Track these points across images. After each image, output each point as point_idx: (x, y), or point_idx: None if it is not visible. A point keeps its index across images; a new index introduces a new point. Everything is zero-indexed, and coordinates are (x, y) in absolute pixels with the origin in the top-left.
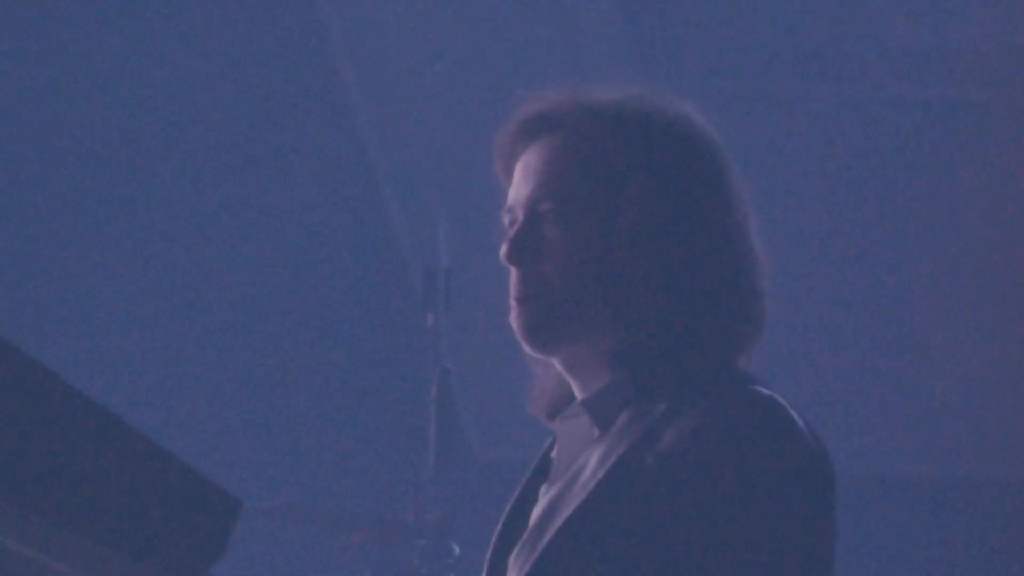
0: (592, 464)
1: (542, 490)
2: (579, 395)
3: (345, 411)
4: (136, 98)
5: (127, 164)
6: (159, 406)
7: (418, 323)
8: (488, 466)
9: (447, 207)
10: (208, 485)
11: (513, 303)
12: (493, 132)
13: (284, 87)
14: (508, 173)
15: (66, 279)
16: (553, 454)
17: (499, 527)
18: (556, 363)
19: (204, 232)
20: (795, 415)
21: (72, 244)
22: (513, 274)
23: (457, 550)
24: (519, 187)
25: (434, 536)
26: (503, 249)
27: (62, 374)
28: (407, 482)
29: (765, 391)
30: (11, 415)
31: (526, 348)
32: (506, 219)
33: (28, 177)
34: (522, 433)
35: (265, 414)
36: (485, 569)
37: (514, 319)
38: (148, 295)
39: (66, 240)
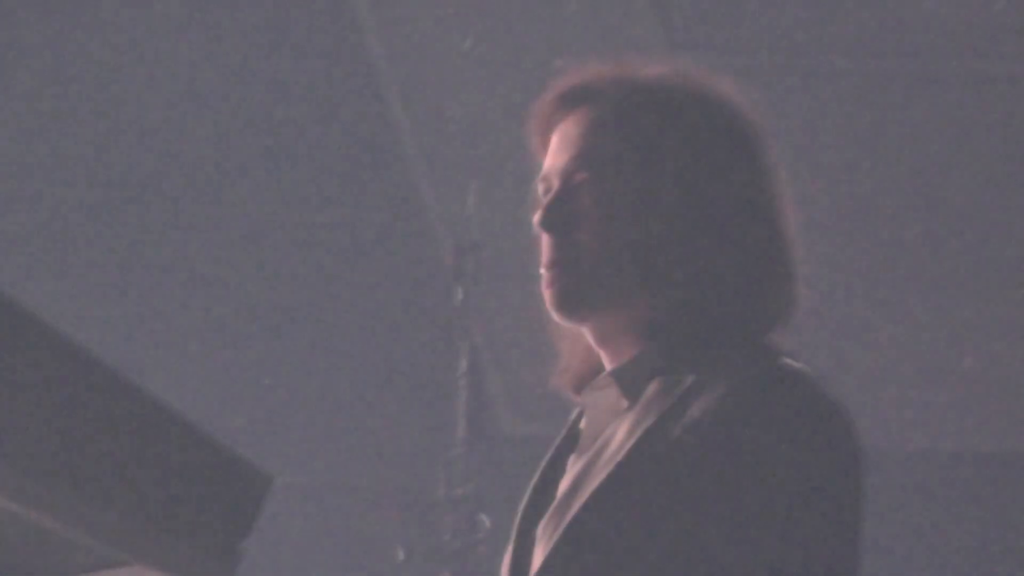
0: (620, 435)
1: (570, 461)
2: (608, 366)
3: (374, 386)
4: (167, 74)
5: (162, 140)
6: (191, 384)
7: (447, 298)
8: (517, 440)
9: (476, 182)
10: (239, 461)
11: (544, 270)
12: (523, 106)
13: (314, 62)
14: (544, 143)
15: (104, 257)
16: (581, 425)
17: (527, 498)
18: (586, 333)
19: (236, 209)
20: (823, 388)
21: (115, 223)
22: (545, 241)
23: (487, 523)
24: (556, 156)
25: (464, 510)
26: (537, 216)
27: (95, 351)
28: (437, 457)
29: (794, 364)
30: (43, 393)
31: (555, 316)
32: (540, 188)
33: (79, 157)
34: (551, 407)
35: (295, 390)
36: (513, 540)
37: (545, 286)
38: (181, 272)
39: (108, 221)
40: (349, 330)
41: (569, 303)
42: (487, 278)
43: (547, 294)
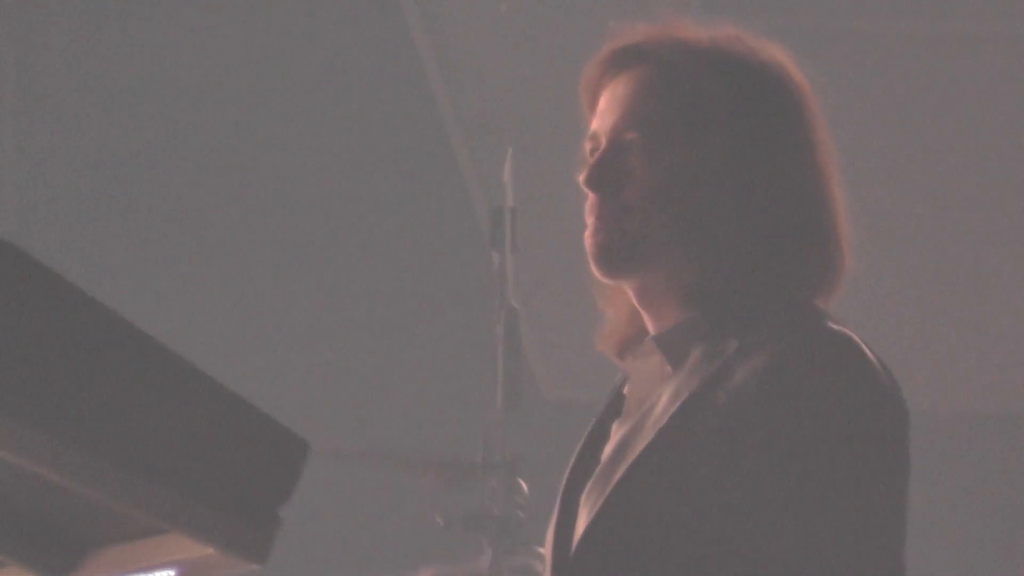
0: (664, 401)
1: (614, 427)
2: (652, 330)
3: (412, 352)
4: (200, 41)
5: (194, 107)
6: (228, 349)
7: (485, 263)
8: (555, 405)
9: (513, 146)
10: (276, 427)
11: (589, 225)
12: (560, 69)
13: (349, 28)
14: (593, 103)
15: (138, 222)
16: (625, 391)
17: (571, 464)
18: (630, 294)
19: (271, 178)
20: (868, 352)
21: (147, 188)
22: (591, 199)
23: (527, 489)
24: (604, 115)
25: (503, 476)
26: (583, 174)
27: (130, 316)
28: (475, 422)
29: (839, 329)
30: (80, 362)
31: (596, 271)
32: (588, 147)
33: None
34: (589, 372)
35: (333, 356)
36: (557, 506)
37: (588, 241)
38: (216, 240)
39: (139, 185)
40: (385, 296)
41: (611, 259)
42: (524, 243)
43: (589, 248)
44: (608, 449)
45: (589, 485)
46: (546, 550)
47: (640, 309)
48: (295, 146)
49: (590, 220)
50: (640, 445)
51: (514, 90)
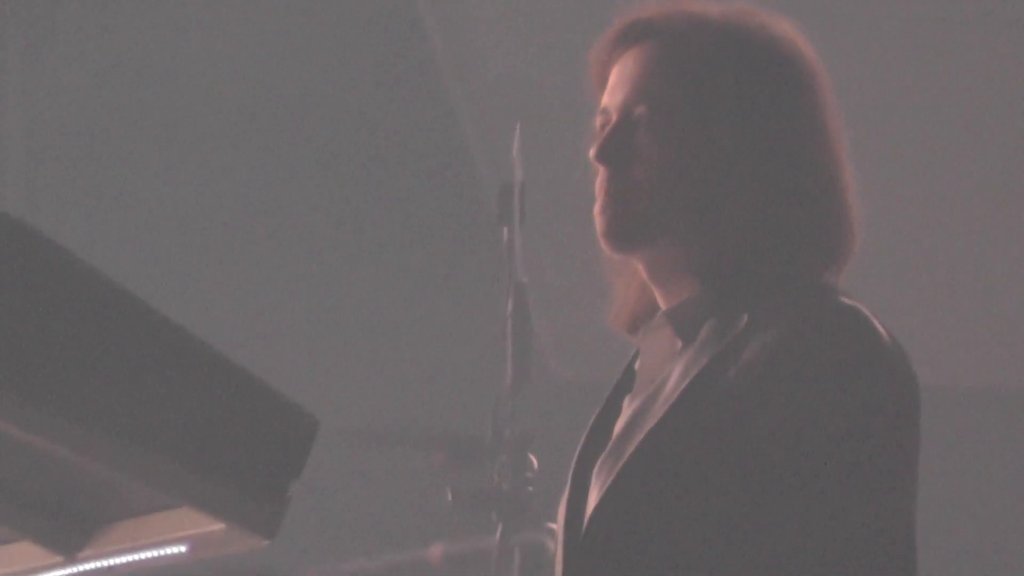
0: (675, 376)
1: (625, 402)
2: (662, 305)
3: (420, 329)
4: (207, 17)
5: (202, 81)
6: (236, 326)
7: (493, 238)
8: (564, 381)
9: (521, 121)
10: (286, 403)
11: (598, 200)
12: (568, 44)
13: (355, 4)
14: (602, 79)
15: (148, 200)
16: (636, 366)
17: (583, 440)
18: (640, 269)
19: (280, 156)
20: (879, 327)
21: (157, 161)
22: (600, 174)
23: (536, 464)
24: (614, 91)
25: (512, 452)
26: (593, 149)
27: (137, 292)
28: (484, 399)
29: (849, 302)
30: (91, 338)
31: (605, 246)
32: (598, 122)
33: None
34: (598, 347)
35: (341, 333)
36: (569, 481)
37: (597, 216)
38: (225, 222)
39: (146, 156)
40: (393, 271)
41: (620, 234)
42: (533, 218)
43: (598, 224)
44: (619, 425)
45: (600, 461)
46: (558, 526)
47: (650, 284)
48: (302, 122)
49: (599, 195)
50: (651, 420)
51: (522, 65)
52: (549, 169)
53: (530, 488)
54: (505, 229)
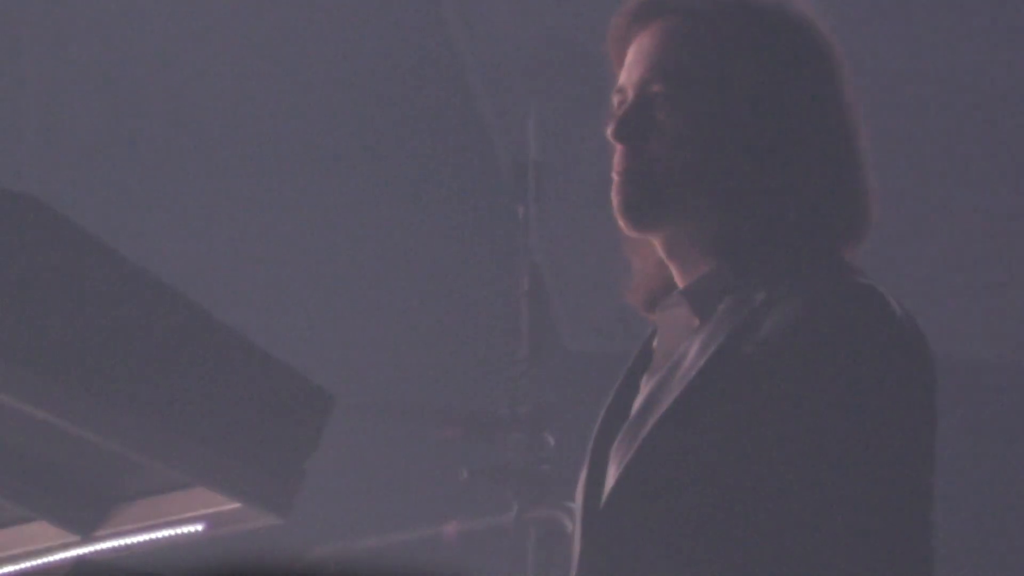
0: (692, 353)
1: (643, 380)
2: (679, 282)
3: (437, 305)
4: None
5: (229, 78)
6: (250, 302)
7: (509, 215)
8: (580, 357)
9: (537, 99)
10: (300, 381)
11: (615, 177)
12: (582, 24)
13: None
14: (620, 56)
15: (166, 178)
16: (654, 344)
17: (600, 418)
18: (657, 246)
19: (295, 131)
20: (894, 304)
21: (181, 149)
22: (618, 151)
23: (552, 442)
24: (631, 68)
25: (528, 429)
26: (610, 127)
27: (154, 269)
28: (500, 375)
29: (864, 280)
30: (109, 320)
31: (623, 224)
32: (616, 100)
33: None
34: (613, 323)
35: (356, 310)
36: (587, 459)
37: (615, 194)
38: (247, 205)
39: (174, 146)
40: (410, 249)
41: (637, 212)
42: (549, 196)
43: (616, 202)
44: (637, 402)
45: (619, 438)
46: (576, 503)
47: (667, 261)
48: (320, 100)
49: (615, 175)
50: (669, 398)
51: (538, 42)
52: (565, 146)
53: (545, 466)
54: (520, 206)
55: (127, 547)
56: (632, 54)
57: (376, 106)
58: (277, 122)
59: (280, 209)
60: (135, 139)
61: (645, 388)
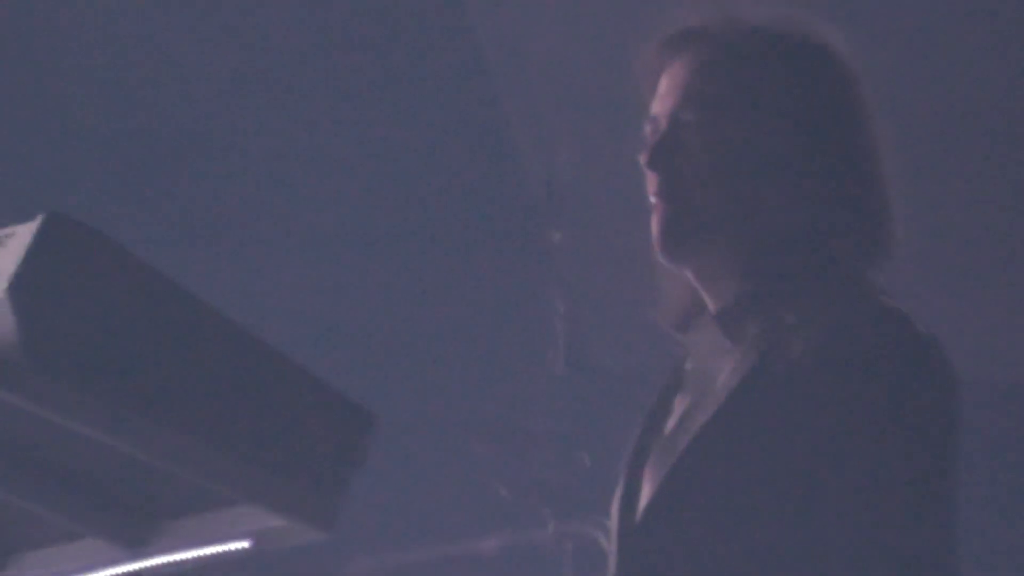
0: (724, 375)
1: (676, 401)
2: (710, 305)
3: (473, 325)
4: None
5: (252, 82)
6: (289, 322)
7: (543, 238)
8: (615, 377)
9: (570, 124)
10: (342, 400)
11: (653, 200)
12: (617, 48)
13: (406, 6)
14: (652, 85)
15: (197, 196)
16: (687, 366)
17: (635, 437)
18: (687, 273)
19: (326, 152)
20: (917, 325)
21: (209, 163)
22: (652, 178)
23: (587, 459)
24: (664, 98)
25: (564, 447)
26: (644, 155)
27: (197, 291)
28: (536, 393)
29: (891, 303)
30: (156, 339)
31: (661, 257)
32: (649, 128)
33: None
34: (645, 343)
35: (397, 328)
36: (622, 479)
37: (655, 222)
38: (279, 220)
39: (203, 161)
40: (447, 270)
41: (675, 245)
42: (581, 217)
43: (655, 230)
44: (671, 422)
45: (653, 457)
46: (611, 521)
47: (697, 284)
48: (355, 124)
49: (652, 200)
50: (702, 418)
51: (572, 68)
52: (598, 168)
53: (582, 484)
54: (554, 232)
55: (175, 563)
56: (665, 83)
57: (412, 134)
58: (319, 151)
59: (321, 231)
60: (191, 169)
61: (678, 408)
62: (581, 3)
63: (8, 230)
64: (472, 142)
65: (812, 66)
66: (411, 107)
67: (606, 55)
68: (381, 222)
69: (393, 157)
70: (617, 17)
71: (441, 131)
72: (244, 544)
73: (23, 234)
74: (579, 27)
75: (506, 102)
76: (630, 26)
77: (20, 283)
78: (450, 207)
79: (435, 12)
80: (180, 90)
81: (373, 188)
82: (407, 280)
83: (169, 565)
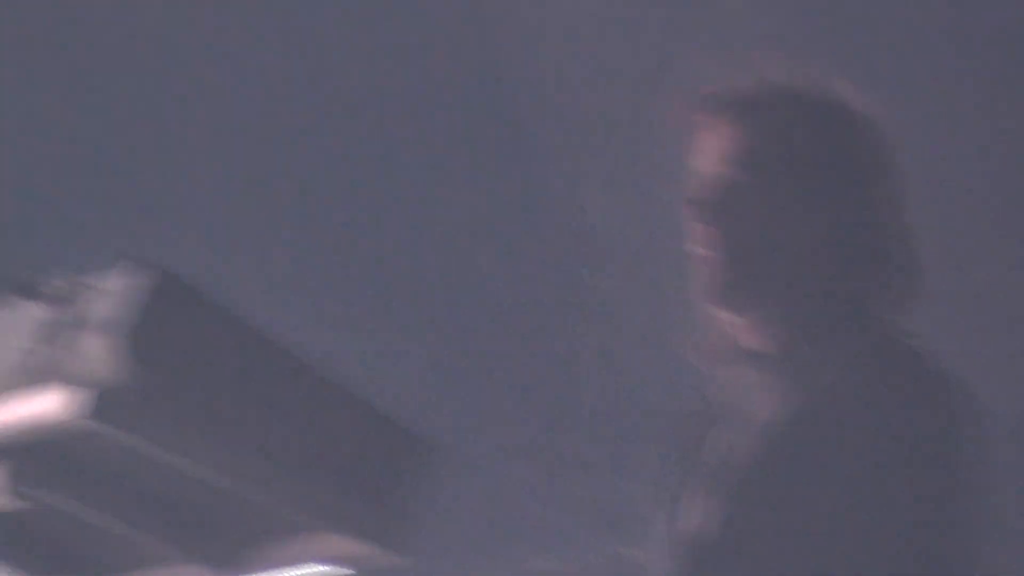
0: (760, 411)
1: (716, 433)
2: (751, 345)
3: (509, 360)
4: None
5: (267, 95)
6: (354, 360)
7: (574, 276)
8: (649, 410)
9: (601, 164)
10: (412, 436)
11: (703, 253)
12: (646, 92)
13: (432, 38)
14: (690, 135)
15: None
16: (722, 400)
17: (678, 470)
18: (731, 316)
19: (361, 197)
20: (936, 364)
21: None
22: (703, 231)
23: (623, 489)
24: (713, 154)
25: (603, 475)
26: (695, 208)
27: (253, 320)
28: (574, 421)
29: (913, 346)
30: (247, 381)
31: (713, 304)
32: (696, 183)
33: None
34: (680, 379)
35: (437, 361)
36: (668, 510)
37: (710, 274)
38: (315, 236)
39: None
40: (483, 302)
41: (732, 294)
42: (613, 255)
43: (712, 281)
44: (711, 455)
45: (698, 487)
46: (658, 548)
47: (740, 328)
48: (380, 157)
49: (704, 254)
50: (740, 455)
51: (599, 106)
52: (626, 211)
53: (626, 509)
54: (586, 269)
55: None
56: (711, 140)
57: (438, 171)
58: (349, 164)
59: (357, 270)
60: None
61: (720, 441)
62: (610, 48)
63: (116, 280)
64: (505, 183)
65: (849, 127)
66: (438, 148)
67: (635, 100)
68: (424, 263)
69: (424, 196)
70: (649, 64)
71: (470, 173)
72: (325, 569)
73: (132, 286)
74: (609, 70)
75: (537, 142)
76: (659, 71)
77: (136, 333)
78: (483, 249)
79: (469, 59)
80: (180, 90)
81: (407, 235)
82: (448, 313)
83: None
